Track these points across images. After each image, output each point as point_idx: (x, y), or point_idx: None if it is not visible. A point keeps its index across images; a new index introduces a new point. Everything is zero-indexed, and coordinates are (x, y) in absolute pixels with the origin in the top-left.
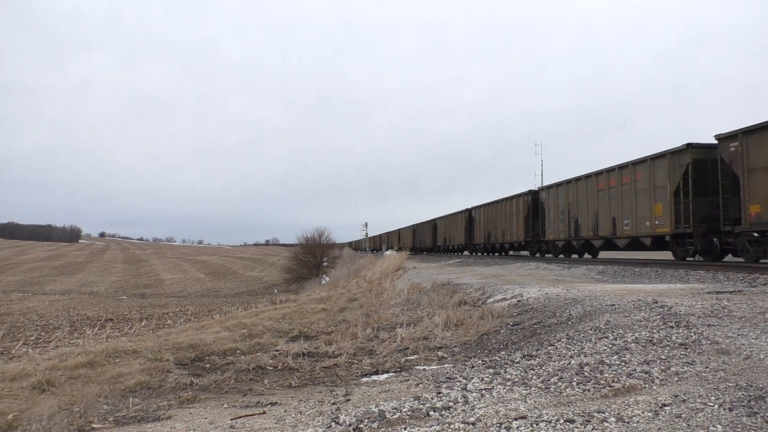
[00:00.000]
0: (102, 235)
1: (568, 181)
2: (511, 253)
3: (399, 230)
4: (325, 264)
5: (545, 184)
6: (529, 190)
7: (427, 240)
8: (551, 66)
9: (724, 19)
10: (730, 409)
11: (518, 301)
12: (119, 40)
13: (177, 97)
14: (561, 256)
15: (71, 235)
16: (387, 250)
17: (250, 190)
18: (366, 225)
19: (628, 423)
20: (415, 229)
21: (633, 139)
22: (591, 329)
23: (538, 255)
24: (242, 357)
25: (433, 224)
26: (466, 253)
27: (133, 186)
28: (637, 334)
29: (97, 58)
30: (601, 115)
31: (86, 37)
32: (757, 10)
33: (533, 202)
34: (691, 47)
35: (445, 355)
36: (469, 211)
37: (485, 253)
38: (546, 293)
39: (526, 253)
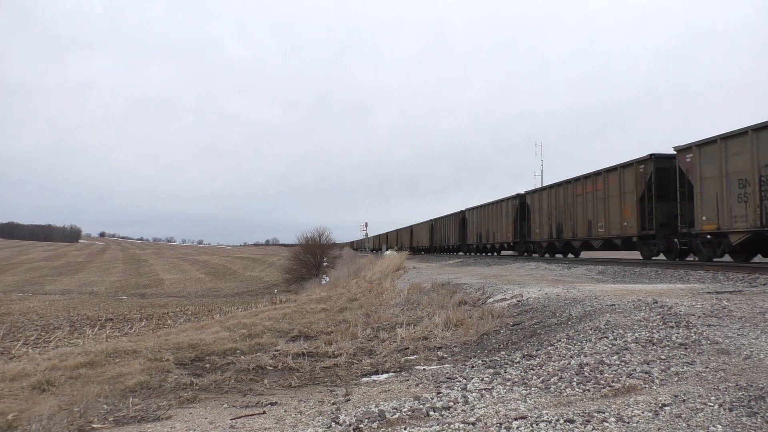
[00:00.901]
0: (102, 235)
1: (760, 128)
2: (583, 254)
3: (411, 227)
4: (325, 264)
5: (691, 142)
6: (651, 155)
7: (451, 237)
8: (552, 66)
9: (726, 19)
10: (730, 409)
11: (518, 301)
12: (120, 39)
13: (177, 97)
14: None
15: (71, 235)
16: (387, 250)
17: (250, 190)
18: (366, 225)
19: (628, 423)
20: (433, 225)
21: (634, 139)
22: (591, 329)
23: (653, 257)
24: (242, 357)
25: (459, 218)
26: (509, 253)
27: (133, 186)
28: (637, 334)
29: (97, 57)
30: (602, 114)
31: (87, 37)
32: (759, 9)
33: (658, 174)
34: (693, 47)
35: (445, 355)
36: (521, 197)
37: (552, 255)
38: (546, 293)
39: (636, 254)
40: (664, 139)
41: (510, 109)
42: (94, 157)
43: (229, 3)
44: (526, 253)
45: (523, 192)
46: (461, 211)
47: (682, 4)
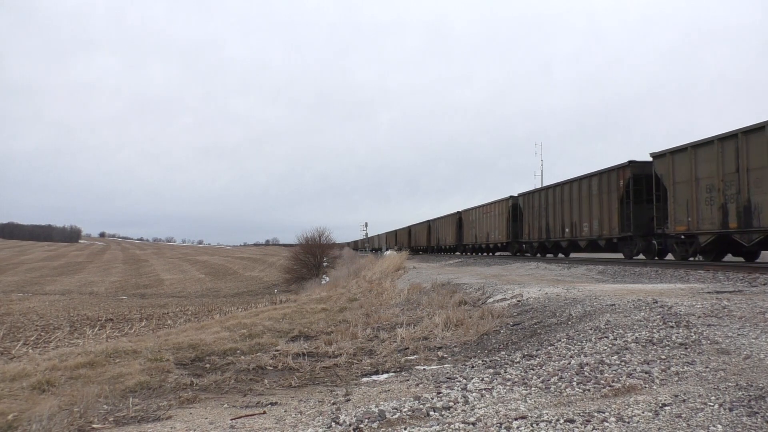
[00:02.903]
0: (102, 235)
1: (558, 185)
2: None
3: (395, 231)
4: (325, 264)
5: (523, 192)
6: (510, 196)
7: (421, 240)
8: (556, 65)
9: (730, 19)
10: (730, 409)
11: (518, 301)
12: (122, 39)
13: (179, 97)
14: None
15: (71, 235)
16: (387, 250)
17: (250, 190)
18: (366, 225)
19: (628, 423)
20: (410, 230)
21: (636, 139)
22: (591, 329)
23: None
24: (242, 357)
25: (426, 226)
26: (457, 254)
27: (134, 186)
28: (637, 334)
29: (99, 57)
30: (605, 114)
31: (89, 37)
32: (763, 9)
33: (513, 209)
34: (697, 47)
35: (445, 355)
36: (459, 213)
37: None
38: (546, 293)
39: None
40: (666, 139)
41: (513, 109)
42: (94, 157)
43: (231, 3)
44: (459, 252)
45: (459, 211)
46: (428, 221)
47: (686, 4)
